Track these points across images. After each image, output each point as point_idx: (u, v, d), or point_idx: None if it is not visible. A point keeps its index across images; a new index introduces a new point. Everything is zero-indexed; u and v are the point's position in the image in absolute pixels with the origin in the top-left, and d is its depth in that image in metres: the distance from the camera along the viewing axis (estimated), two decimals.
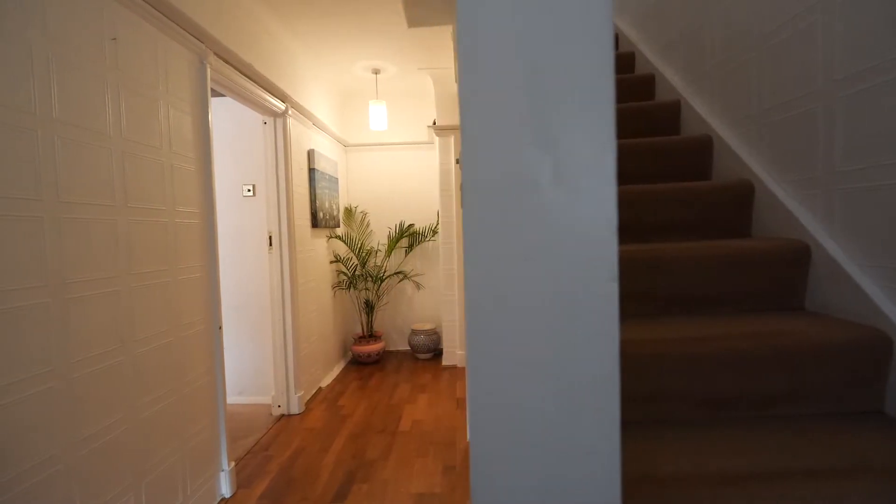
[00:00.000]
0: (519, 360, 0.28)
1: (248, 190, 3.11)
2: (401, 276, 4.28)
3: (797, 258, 1.22)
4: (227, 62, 2.16)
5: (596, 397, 0.28)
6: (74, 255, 1.30)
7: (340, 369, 3.93)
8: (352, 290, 4.13)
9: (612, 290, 0.27)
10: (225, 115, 3.04)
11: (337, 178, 3.94)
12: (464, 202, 0.27)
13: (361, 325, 4.24)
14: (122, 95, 1.50)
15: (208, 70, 1.98)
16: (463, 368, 3.86)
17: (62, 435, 1.26)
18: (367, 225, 4.32)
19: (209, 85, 1.99)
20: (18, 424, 1.13)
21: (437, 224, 4.05)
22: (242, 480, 2.19)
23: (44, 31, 1.22)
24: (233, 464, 2.11)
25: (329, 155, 3.82)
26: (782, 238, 1.30)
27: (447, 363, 3.96)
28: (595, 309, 0.28)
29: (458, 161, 2.37)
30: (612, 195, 0.27)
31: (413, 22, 2.86)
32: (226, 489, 2.05)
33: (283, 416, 2.94)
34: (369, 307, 4.14)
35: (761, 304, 1.25)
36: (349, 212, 4.23)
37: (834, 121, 1.14)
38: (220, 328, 2.04)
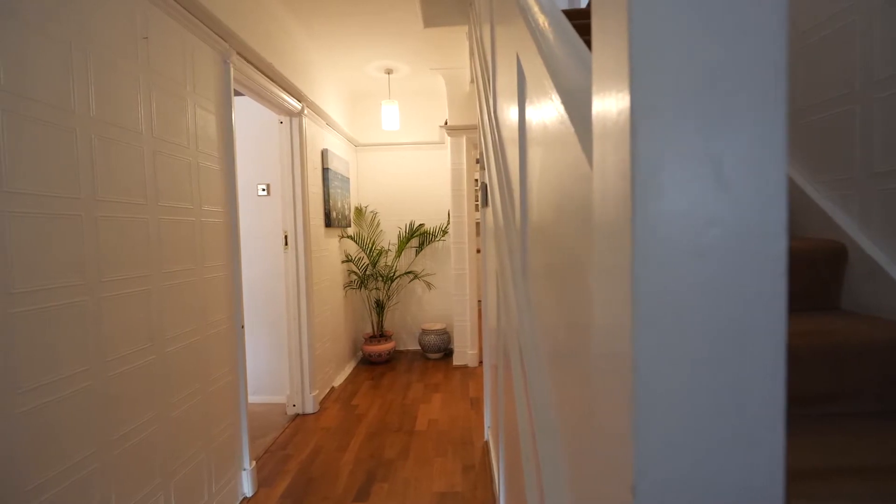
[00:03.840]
0: (689, 355, 0.28)
1: (263, 189, 3.11)
2: (411, 275, 4.28)
3: (833, 258, 1.22)
4: (248, 61, 2.16)
5: (764, 390, 0.28)
6: (109, 254, 1.30)
7: (352, 369, 3.93)
8: (362, 289, 4.13)
9: (781, 286, 0.27)
10: (238, 114, 3.03)
11: (348, 178, 3.94)
12: (635, 204, 0.28)
13: (372, 324, 4.24)
14: (153, 94, 1.50)
15: (231, 69, 1.98)
16: (474, 368, 3.86)
17: (97, 434, 1.26)
18: (378, 225, 4.32)
19: (232, 84, 1.99)
20: (56, 424, 1.13)
21: (448, 224, 4.05)
22: (263, 479, 2.19)
23: (82, 29, 1.22)
24: (254, 463, 2.11)
25: (341, 154, 3.82)
26: (817, 238, 1.30)
27: (458, 363, 3.96)
28: (764, 304, 0.28)
29: (477, 161, 2.37)
30: (783, 192, 0.27)
31: (429, 22, 2.87)
32: (247, 488, 2.05)
33: (297, 415, 2.94)
34: (380, 307, 4.14)
35: (795, 304, 1.25)
36: (359, 211, 4.23)
37: (872, 122, 1.15)
38: (243, 327, 2.04)
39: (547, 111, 0.67)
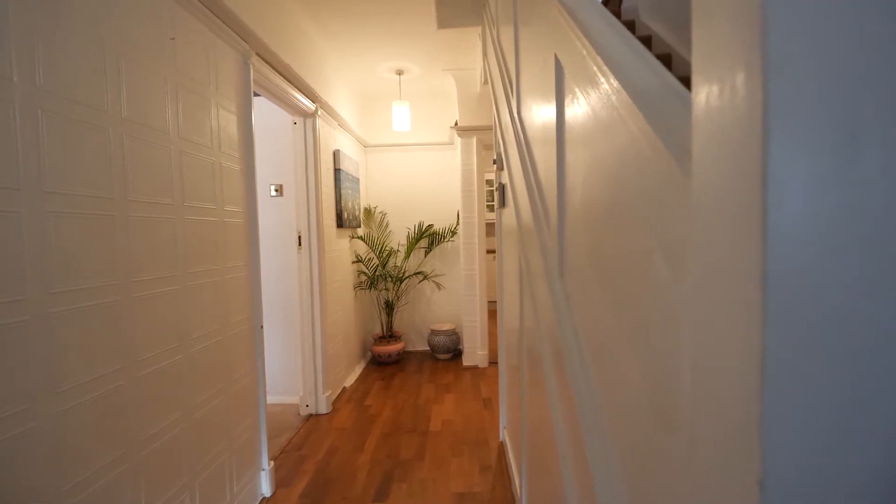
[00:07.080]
0: (823, 351, 0.28)
1: (275, 190, 3.12)
2: (420, 276, 4.28)
3: None
4: (266, 62, 2.17)
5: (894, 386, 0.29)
6: (140, 254, 1.31)
7: (362, 369, 3.93)
8: (372, 289, 4.13)
9: None
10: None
11: (358, 179, 3.94)
12: (768, 205, 0.28)
13: (381, 325, 4.24)
14: (179, 94, 1.50)
15: (251, 70, 1.98)
16: (484, 369, 3.86)
17: (128, 434, 1.26)
18: (387, 226, 4.33)
19: (252, 85, 1.99)
20: (91, 423, 1.13)
21: (458, 224, 4.06)
22: (280, 480, 2.19)
23: (115, 28, 1.23)
24: (272, 463, 2.11)
25: (352, 155, 3.82)
26: None
27: (468, 363, 3.96)
28: None
29: (494, 161, 2.38)
30: None
31: (443, 23, 2.87)
32: (266, 488, 2.05)
33: (311, 415, 2.94)
34: (389, 307, 4.15)
35: None
36: (369, 212, 4.24)
37: None
38: (262, 327, 2.04)
39: (602, 111, 0.67)
